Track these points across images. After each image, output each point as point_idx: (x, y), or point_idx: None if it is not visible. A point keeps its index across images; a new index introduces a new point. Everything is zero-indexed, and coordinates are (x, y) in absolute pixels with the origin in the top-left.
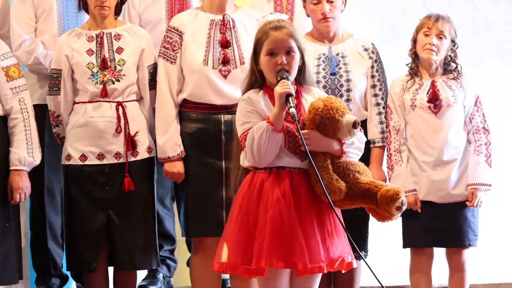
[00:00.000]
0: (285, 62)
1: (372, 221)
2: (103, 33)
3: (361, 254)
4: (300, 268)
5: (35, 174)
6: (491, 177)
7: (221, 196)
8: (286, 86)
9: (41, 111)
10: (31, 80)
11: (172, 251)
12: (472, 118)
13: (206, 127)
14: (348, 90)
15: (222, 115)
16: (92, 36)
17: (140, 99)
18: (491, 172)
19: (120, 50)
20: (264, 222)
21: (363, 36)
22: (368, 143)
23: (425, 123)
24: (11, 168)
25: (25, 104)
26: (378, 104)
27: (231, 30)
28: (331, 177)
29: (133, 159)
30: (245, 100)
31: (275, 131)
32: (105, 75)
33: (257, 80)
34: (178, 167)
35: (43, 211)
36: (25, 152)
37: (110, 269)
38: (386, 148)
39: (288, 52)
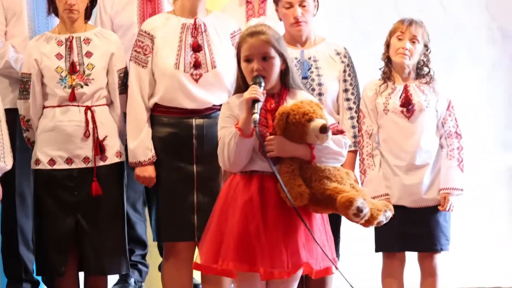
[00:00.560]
0: (261, 68)
1: (344, 225)
2: (73, 37)
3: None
4: (261, 272)
5: (6, 179)
6: (463, 182)
7: (193, 200)
8: (253, 92)
9: (12, 115)
10: (2, 84)
11: (143, 256)
12: (445, 123)
13: (177, 132)
14: (320, 94)
15: (193, 119)
16: (62, 40)
17: (110, 104)
18: (463, 176)
19: (89, 54)
20: (232, 225)
21: (336, 40)
22: None
23: (397, 127)
24: None
25: None
26: (350, 109)
27: (202, 34)
28: (294, 183)
29: (102, 163)
30: (226, 105)
31: (243, 137)
32: (74, 79)
33: (241, 85)
34: (149, 172)
35: (14, 215)
36: None
37: (82, 274)
38: (358, 152)
39: (264, 57)
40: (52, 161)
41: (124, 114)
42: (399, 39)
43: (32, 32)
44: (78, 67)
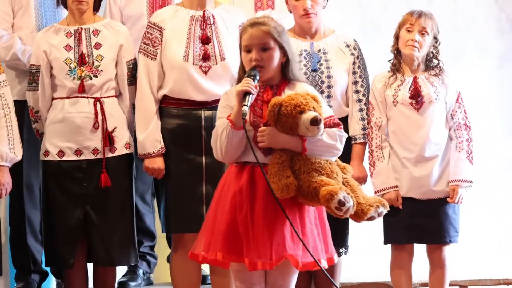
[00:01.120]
0: (259, 58)
1: None
2: (82, 28)
3: (342, 250)
4: (246, 263)
5: (14, 170)
6: (473, 174)
7: (201, 192)
8: (245, 84)
9: (19, 107)
10: (9, 76)
11: (152, 247)
12: (454, 115)
13: (187, 123)
14: (329, 87)
15: (202, 111)
16: (71, 32)
17: (119, 95)
18: (472, 168)
19: (98, 45)
20: (221, 215)
21: (345, 33)
22: (349, 139)
23: (406, 119)
24: None
25: (6, 99)
26: (359, 101)
27: (211, 26)
28: (283, 174)
29: (110, 155)
30: (224, 95)
31: (234, 129)
32: (83, 71)
33: (242, 75)
34: (158, 163)
35: (22, 207)
36: (7, 148)
37: (90, 265)
38: (367, 144)
39: (263, 48)
40: (61, 153)
41: (133, 106)
42: (409, 31)
43: (39, 24)
44: (87, 58)
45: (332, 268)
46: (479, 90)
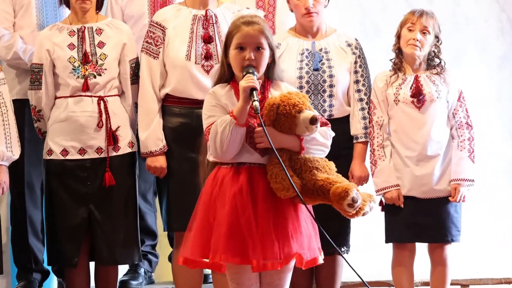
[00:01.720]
0: (253, 57)
1: None
2: (85, 27)
3: (338, 250)
4: (254, 264)
5: (15, 169)
6: (474, 173)
7: None
8: (250, 80)
9: (20, 106)
10: (10, 75)
11: (153, 246)
12: (455, 113)
13: (189, 122)
14: (331, 86)
15: None
16: (74, 31)
17: (121, 94)
18: (474, 167)
19: (101, 44)
20: (222, 217)
21: (347, 32)
22: (351, 139)
23: (408, 118)
24: None
25: (3, 98)
26: (361, 100)
27: (213, 25)
28: (286, 174)
29: (114, 154)
30: (210, 94)
31: (238, 125)
32: (87, 69)
33: (225, 74)
34: (160, 162)
35: (23, 206)
36: (4, 146)
37: (92, 264)
38: (369, 143)
39: (258, 48)
40: (64, 152)
41: (135, 104)
42: (410, 30)
43: (40, 23)
44: (90, 57)
45: (333, 267)
46: (479, 90)
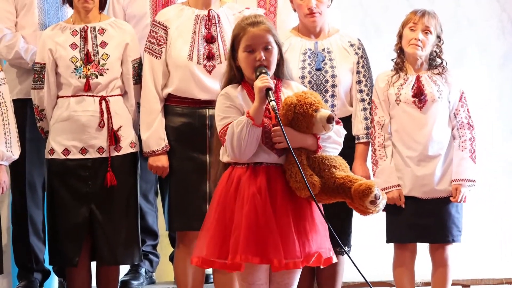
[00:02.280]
0: (264, 58)
1: (356, 216)
2: (87, 27)
3: (345, 249)
4: (275, 264)
5: (16, 169)
6: (476, 173)
7: (205, 190)
8: (265, 80)
9: (21, 105)
10: (11, 75)
11: (154, 246)
12: (457, 114)
13: (191, 122)
14: (333, 86)
15: (207, 110)
16: (76, 30)
17: (124, 94)
18: (475, 167)
19: (104, 44)
20: (240, 217)
21: (349, 32)
22: (353, 139)
23: (409, 118)
24: None
25: (3, 98)
26: (363, 100)
27: (216, 26)
28: (305, 173)
29: (116, 153)
30: (223, 96)
31: (255, 125)
32: (89, 69)
33: (235, 76)
34: (162, 161)
35: (25, 205)
36: (4, 146)
37: (93, 264)
38: (370, 143)
39: (266, 47)
40: (66, 151)
41: (138, 105)
42: (412, 30)
43: (42, 23)
44: (93, 57)
45: (335, 266)
46: (481, 90)
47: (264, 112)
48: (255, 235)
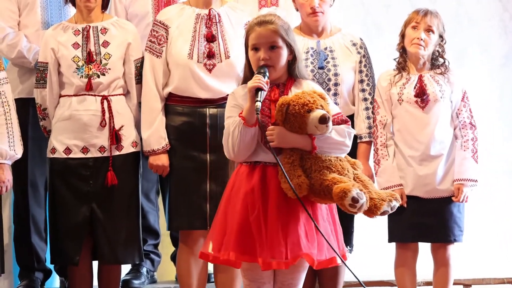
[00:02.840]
0: (267, 57)
1: (358, 216)
2: (90, 26)
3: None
4: (260, 263)
5: (19, 168)
6: (478, 173)
7: (205, 189)
8: (257, 80)
9: (23, 105)
10: (14, 74)
11: (156, 246)
12: (459, 113)
13: (192, 120)
14: (336, 85)
15: (207, 109)
16: (79, 30)
17: (126, 94)
18: (477, 167)
19: (106, 44)
20: (233, 215)
21: (352, 31)
22: (355, 138)
23: (412, 117)
24: None
25: (6, 97)
26: (365, 99)
27: (217, 25)
28: (294, 173)
29: (117, 153)
30: (231, 95)
31: (247, 126)
32: (90, 69)
33: (248, 76)
34: (162, 160)
35: (27, 205)
36: (7, 145)
37: (95, 263)
38: (372, 142)
39: (272, 47)
40: (68, 150)
41: (140, 104)
42: (414, 29)
43: (45, 23)
44: (95, 56)
45: (337, 266)
46: (482, 90)
47: (264, 112)
48: (244, 234)
